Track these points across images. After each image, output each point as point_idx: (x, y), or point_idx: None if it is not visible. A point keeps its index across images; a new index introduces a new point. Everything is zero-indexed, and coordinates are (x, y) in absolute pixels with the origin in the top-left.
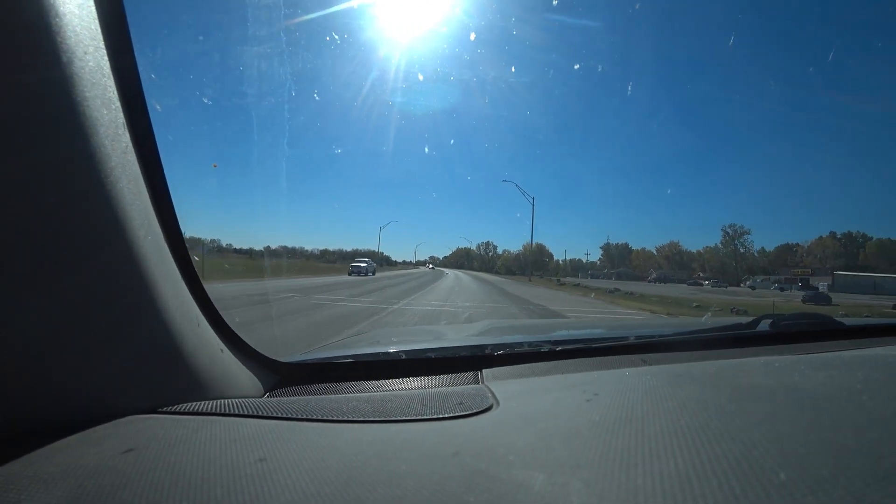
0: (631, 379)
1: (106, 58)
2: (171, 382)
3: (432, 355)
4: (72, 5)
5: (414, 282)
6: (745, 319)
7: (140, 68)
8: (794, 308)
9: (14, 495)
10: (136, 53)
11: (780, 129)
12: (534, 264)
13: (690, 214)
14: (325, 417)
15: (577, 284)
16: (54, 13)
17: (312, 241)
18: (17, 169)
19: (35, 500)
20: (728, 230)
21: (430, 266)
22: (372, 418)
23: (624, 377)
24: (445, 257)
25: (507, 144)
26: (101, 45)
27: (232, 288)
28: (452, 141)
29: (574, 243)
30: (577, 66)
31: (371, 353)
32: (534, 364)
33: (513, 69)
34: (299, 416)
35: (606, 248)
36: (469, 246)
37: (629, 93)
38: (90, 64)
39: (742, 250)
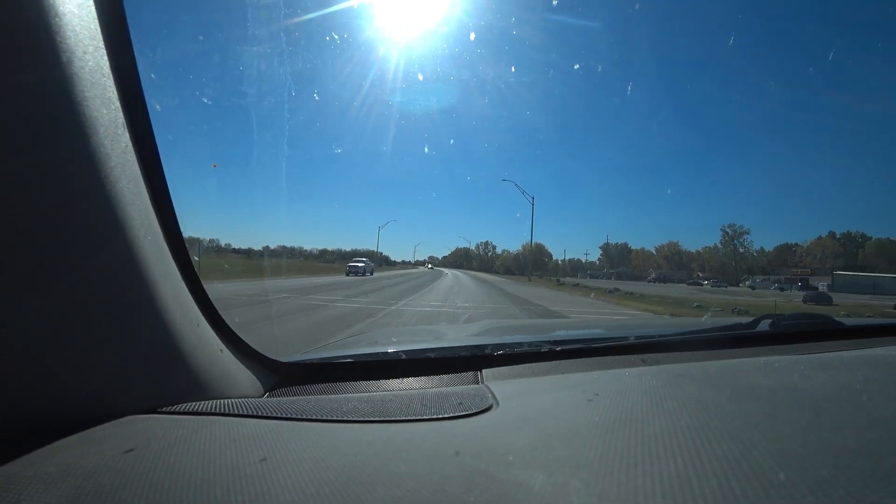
0: (631, 379)
1: (105, 57)
2: (170, 382)
3: (432, 355)
4: (71, 5)
5: (412, 282)
6: (744, 319)
7: (140, 68)
8: (795, 308)
9: (14, 495)
10: (135, 53)
11: (779, 128)
12: (533, 264)
13: (690, 214)
14: (324, 417)
15: (577, 284)
16: (54, 13)
17: (312, 241)
18: (17, 169)
19: (35, 500)
20: (727, 230)
21: (429, 266)
22: (372, 418)
23: (624, 377)
24: (444, 257)
25: (506, 144)
26: (101, 44)
27: (230, 288)
28: (452, 141)
29: (573, 243)
30: (576, 66)
31: (371, 353)
32: (534, 364)
33: (512, 69)
34: (299, 416)
35: (605, 248)
36: (468, 246)
37: (629, 93)
38: (90, 64)
39: (741, 250)
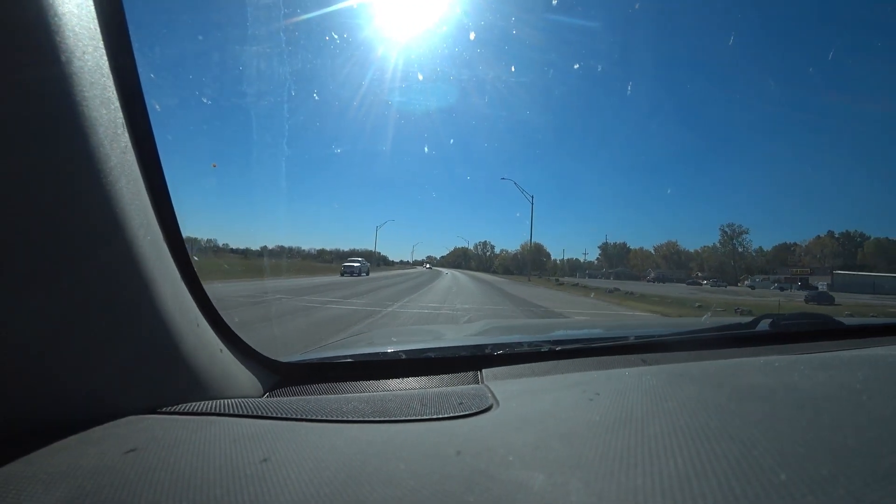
0: (630, 379)
1: (105, 57)
2: (170, 382)
3: (432, 355)
4: (71, 5)
5: (411, 282)
6: (744, 319)
7: (139, 68)
8: (797, 308)
9: (14, 495)
10: (135, 53)
11: (778, 128)
12: (532, 264)
13: (688, 214)
14: (324, 417)
15: (576, 284)
16: (53, 13)
17: (310, 241)
18: (17, 169)
19: (35, 500)
20: (726, 229)
21: (428, 266)
22: (372, 418)
23: (623, 377)
24: (443, 257)
25: (505, 144)
26: (101, 44)
27: (228, 288)
28: (451, 140)
29: (572, 243)
30: (576, 66)
31: (371, 353)
32: (533, 364)
33: (512, 69)
34: (299, 417)
35: (604, 248)
36: (466, 246)
37: (628, 92)
38: (89, 63)
39: (740, 250)
